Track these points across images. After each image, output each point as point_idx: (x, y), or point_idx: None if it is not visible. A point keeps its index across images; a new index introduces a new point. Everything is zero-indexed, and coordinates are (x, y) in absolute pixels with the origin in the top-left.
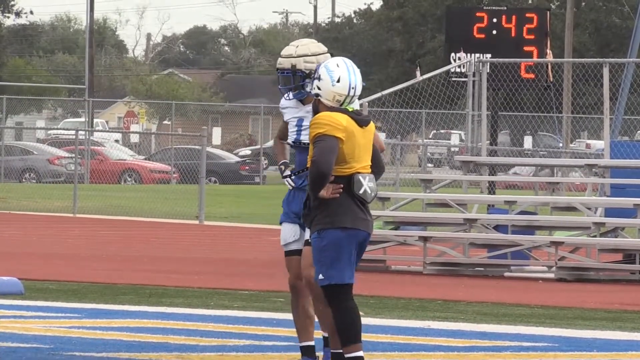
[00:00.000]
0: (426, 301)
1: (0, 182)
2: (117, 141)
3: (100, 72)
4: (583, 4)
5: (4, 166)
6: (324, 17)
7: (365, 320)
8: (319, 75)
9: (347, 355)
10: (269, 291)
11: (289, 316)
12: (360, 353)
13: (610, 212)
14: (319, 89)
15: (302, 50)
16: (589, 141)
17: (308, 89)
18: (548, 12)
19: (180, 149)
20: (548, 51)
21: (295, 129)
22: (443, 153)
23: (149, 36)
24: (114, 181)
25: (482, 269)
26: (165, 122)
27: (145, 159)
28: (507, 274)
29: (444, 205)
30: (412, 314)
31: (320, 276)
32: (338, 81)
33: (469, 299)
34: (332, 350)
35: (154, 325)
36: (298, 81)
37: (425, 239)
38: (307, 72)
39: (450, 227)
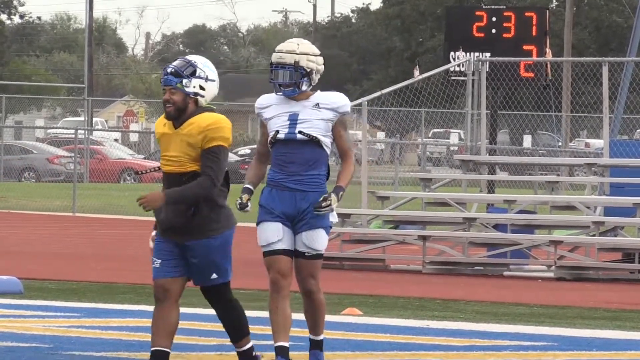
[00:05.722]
0: (425, 300)
1: (0, 181)
2: (116, 140)
3: (100, 71)
4: (585, 1)
5: (4, 165)
6: (323, 16)
7: (364, 320)
8: (207, 76)
9: (243, 349)
10: (268, 290)
11: None
12: (251, 343)
13: (609, 211)
14: (202, 89)
15: (304, 49)
16: (588, 140)
17: (304, 88)
18: (547, 11)
19: None
20: (547, 50)
21: (287, 123)
22: (442, 152)
23: (148, 35)
24: (114, 180)
25: (481, 268)
26: None
27: (145, 158)
28: (506, 273)
29: (443, 204)
30: (412, 313)
31: (227, 273)
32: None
33: (468, 298)
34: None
35: None
36: (298, 78)
37: (424, 238)
38: (308, 70)
39: (450, 226)
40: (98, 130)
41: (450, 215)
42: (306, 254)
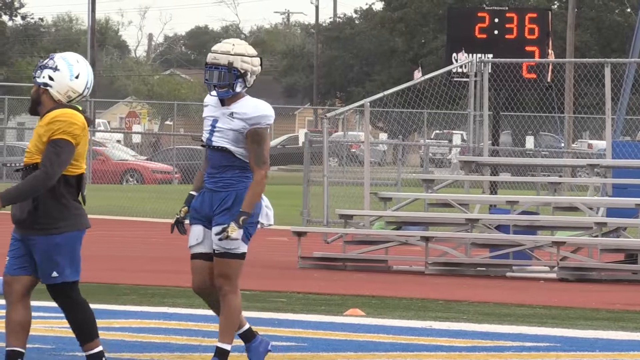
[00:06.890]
0: (428, 301)
1: (2, 183)
2: (118, 141)
3: (102, 72)
4: (586, 2)
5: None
6: (325, 17)
7: (367, 321)
8: (56, 66)
9: (92, 352)
10: (270, 291)
11: (289, 316)
12: (100, 347)
13: (612, 212)
14: (51, 79)
15: (239, 49)
16: (590, 141)
17: (238, 89)
18: (549, 12)
19: (181, 149)
20: (550, 51)
21: (209, 128)
22: (445, 153)
23: (150, 36)
24: (116, 181)
25: (484, 269)
26: (167, 122)
27: (147, 159)
28: (509, 274)
29: (446, 205)
30: (414, 314)
31: (69, 273)
32: (77, 77)
33: (471, 299)
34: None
35: (156, 326)
36: (232, 79)
37: (427, 239)
38: (242, 71)
39: (452, 227)
40: (100, 131)
41: (453, 216)
42: (215, 251)
